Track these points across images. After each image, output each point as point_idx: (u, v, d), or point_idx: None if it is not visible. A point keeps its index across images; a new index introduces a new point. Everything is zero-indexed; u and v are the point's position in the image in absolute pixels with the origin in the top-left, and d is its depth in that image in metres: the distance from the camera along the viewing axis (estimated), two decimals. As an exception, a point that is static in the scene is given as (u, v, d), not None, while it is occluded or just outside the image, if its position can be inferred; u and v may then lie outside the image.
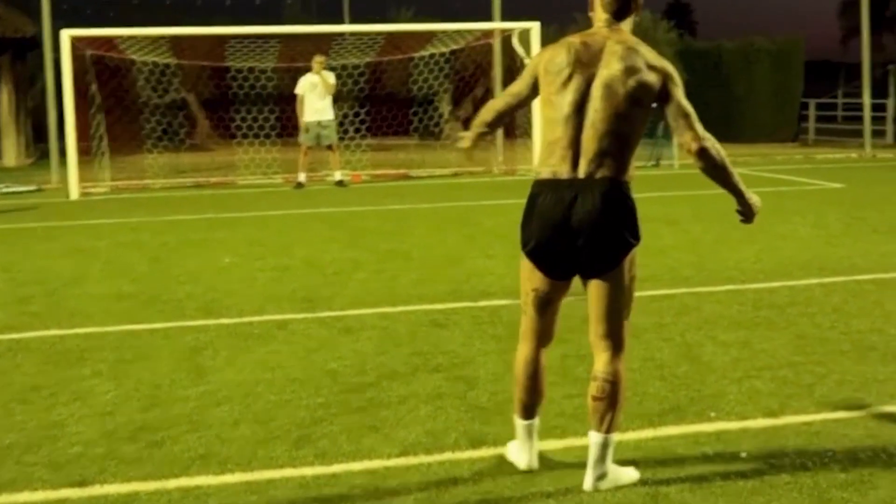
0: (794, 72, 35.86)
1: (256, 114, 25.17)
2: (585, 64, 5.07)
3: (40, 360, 7.71)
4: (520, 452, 5.32)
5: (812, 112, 35.43)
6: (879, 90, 35.84)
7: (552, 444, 5.63)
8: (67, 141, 20.70)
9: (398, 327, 8.46)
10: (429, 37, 25.10)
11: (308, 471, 5.33)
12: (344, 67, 25.61)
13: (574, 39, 5.21)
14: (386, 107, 26.84)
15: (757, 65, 35.36)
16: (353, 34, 24.72)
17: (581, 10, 36.37)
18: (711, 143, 5.17)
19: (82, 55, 22.09)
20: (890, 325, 8.21)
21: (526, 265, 5.29)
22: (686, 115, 5.13)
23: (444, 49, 25.29)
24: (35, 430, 6.09)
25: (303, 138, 21.36)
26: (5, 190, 21.64)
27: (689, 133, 5.10)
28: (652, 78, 5.09)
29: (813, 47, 68.13)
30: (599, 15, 5.28)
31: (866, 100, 29.68)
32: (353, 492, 5.03)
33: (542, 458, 5.38)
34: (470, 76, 28.70)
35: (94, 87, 22.61)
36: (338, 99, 23.97)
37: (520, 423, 5.32)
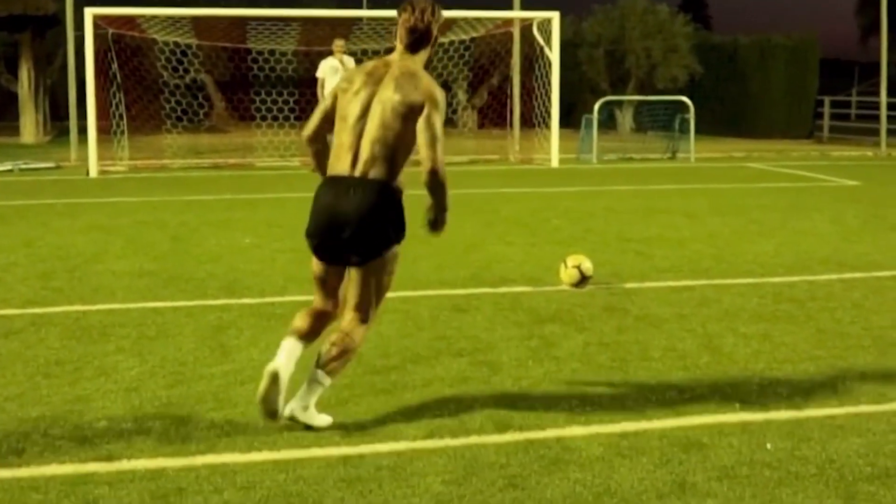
0: (809, 69, 35.79)
1: (276, 96, 25.16)
2: (373, 83, 5.85)
3: (64, 334, 7.74)
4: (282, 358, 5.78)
5: (827, 109, 35.36)
6: (895, 89, 35.81)
7: (577, 431, 5.65)
8: (88, 119, 20.74)
9: (420, 311, 8.49)
10: (448, 24, 25.07)
11: (335, 451, 5.36)
12: (364, 52, 25.58)
13: (371, 63, 6.05)
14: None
15: (772, 60, 35.32)
16: (372, 19, 24.69)
17: (600, 2, 36.45)
18: (441, 167, 5.87)
19: (104, 33, 22.11)
20: (911, 322, 8.23)
21: None
22: (433, 137, 5.78)
23: (463, 36, 25.28)
24: (60, 404, 6.12)
25: None
26: (24, 166, 21.68)
27: (429, 153, 5.79)
28: (417, 99, 5.74)
29: (827, 45, 67.91)
30: (398, 46, 6.00)
31: (883, 98, 29.63)
32: (379, 472, 5.06)
33: (568, 445, 5.42)
34: (488, 64, 28.68)
35: (114, 66, 22.64)
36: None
37: (287, 341, 5.92)
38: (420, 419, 5.84)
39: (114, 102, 22.65)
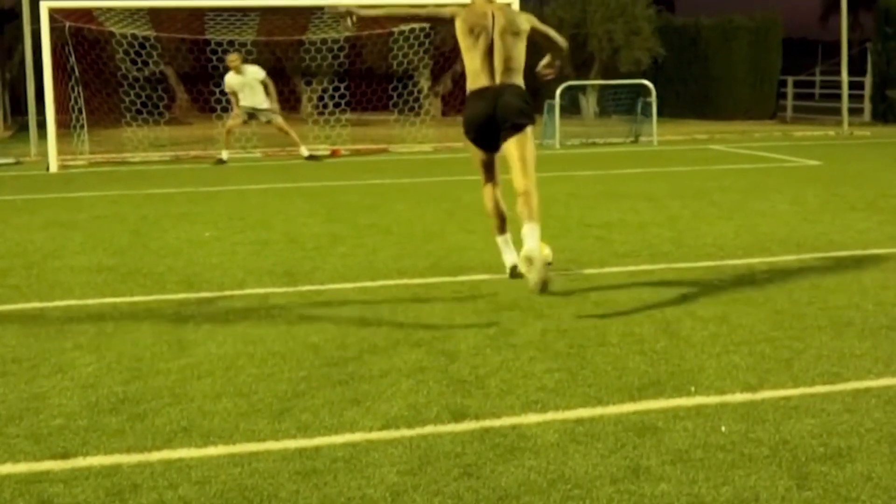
0: (772, 49, 35.95)
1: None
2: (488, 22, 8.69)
3: (20, 332, 7.69)
4: (507, 256, 9.14)
5: (790, 89, 35.53)
6: (857, 68, 35.99)
7: (533, 418, 5.66)
8: (47, 114, 20.64)
9: (379, 301, 8.48)
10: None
11: (290, 443, 5.35)
12: (324, 42, 25.54)
13: (477, 6, 8.77)
14: (365, 82, 26.78)
15: (735, 42, 35.46)
16: (333, 7, 24.58)
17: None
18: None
19: (61, 27, 21.98)
20: (867, 301, 8.27)
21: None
22: (552, 30, 9.22)
23: (424, 24, 25.22)
24: (16, 402, 6.09)
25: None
26: (-17, 163, 21.56)
27: (558, 36, 9.23)
28: (524, 24, 8.94)
29: (791, 25, 68.20)
30: None
31: (844, 77, 29.75)
32: (335, 464, 5.05)
33: (523, 432, 5.43)
34: (450, 51, 28.64)
35: (72, 60, 22.51)
36: (316, 73, 23.93)
37: (499, 239, 9.19)
38: (376, 410, 5.84)
39: (72, 96, 22.52)
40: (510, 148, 8.63)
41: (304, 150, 21.90)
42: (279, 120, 21.57)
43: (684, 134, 27.63)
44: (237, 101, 21.42)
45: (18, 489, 4.83)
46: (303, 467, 5.02)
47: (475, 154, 8.92)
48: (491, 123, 8.55)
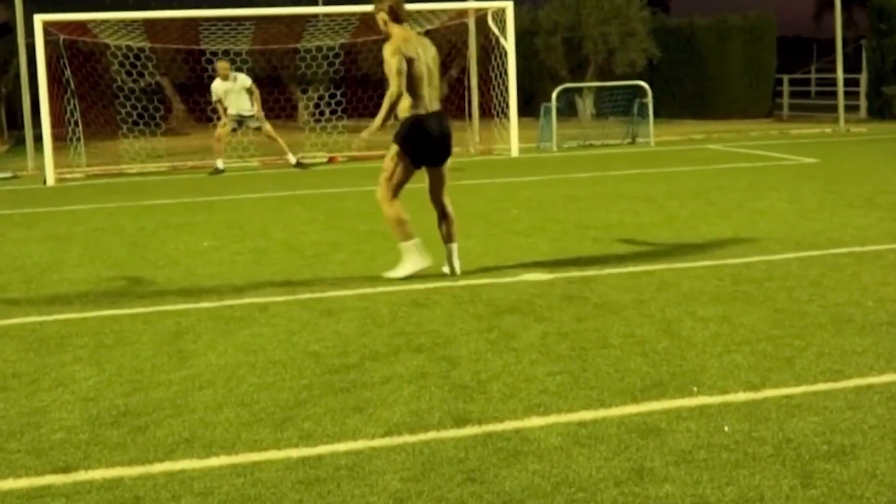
0: (766, 48, 35.95)
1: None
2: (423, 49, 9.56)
3: (20, 346, 7.68)
4: (422, 258, 9.65)
5: (786, 88, 35.55)
6: (852, 65, 35.97)
7: (536, 422, 5.65)
8: (43, 127, 20.62)
9: (379, 308, 8.47)
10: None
11: (293, 452, 5.34)
12: (319, 49, 25.55)
13: (412, 35, 9.62)
14: (361, 88, 26.75)
15: (730, 41, 35.46)
16: (326, 16, 24.62)
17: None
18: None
19: (56, 40, 21.97)
20: (867, 298, 8.26)
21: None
22: None
23: (418, 29, 25.16)
24: (17, 417, 6.07)
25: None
26: (-19, 177, 21.54)
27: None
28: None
29: (785, 23, 68.08)
30: (404, 25, 9.59)
31: (840, 75, 29.74)
32: (338, 473, 5.04)
33: (526, 436, 5.42)
34: (445, 56, 28.63)
35: (68, 73, 22.50)
36: (312, 81, 23.94)
37: (413, 243, 9.63)
38: (378, 417, 5.82)
39: (69, 109, 22.51)
40: (443, 172, 9.67)
41: (292, 158, 21.90)
42: (267, 126, 21.58)
43: (681, 134, 27.62)
44: (224, 109, 21.42)
45: (21, 504, 4.82)
46: (306, 476, 5.01)
47: (406, 170, 9.51)
48: (435, 146, 9.47)
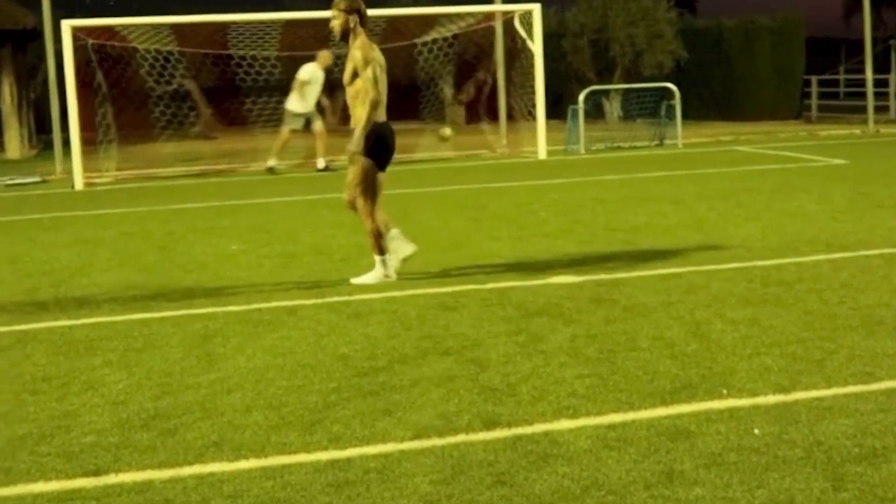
0: (795, 49, 35.85)
1: (263, 103, 25.10)
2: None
3: (50, 350, 7.71)
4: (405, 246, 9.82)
5: (814, 89, 35.37)
6: (881, 65, 35.79)
7: (565, 424, 5.64)
8: (71, 131, 20.72)
9: (407, 311, 8.47)
10: (431, 21, 25.06)
11: (322, 455, 5.34)
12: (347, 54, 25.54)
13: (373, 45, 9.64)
14: (394, 92, 26.73)
15: (758, 42, 35.36)
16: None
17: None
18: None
19: (84, 45, 22.06)
20: (898, 300, 8.22)
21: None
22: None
23: (446, 33, 25.25)
24: (47, 421, 6.10)
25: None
26: (9, 182, 21.64)
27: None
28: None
29: (814, 24, 67.88)
30: (366, 32, 9.60)
31: (869, 75, 29.61)
32: (367, 476, 5.04)
33: (555, 439, 5.41)
34: (472, 59, 28.66)
35: (98, 77, 22.58)
36: (337, 86, 23.95)
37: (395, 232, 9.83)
38: (407, 420, 5.82)
39: (99, 112, 22.59)
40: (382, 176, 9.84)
41: (321, 162, 21.95)
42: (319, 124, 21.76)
43: (709, 136, 27.54)
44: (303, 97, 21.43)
45: (51, 507, 4.84)
46: (335, 479, 5.01)
47: (377, 178, 9.72)
48: (391, 152, 9.86)
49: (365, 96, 9.37)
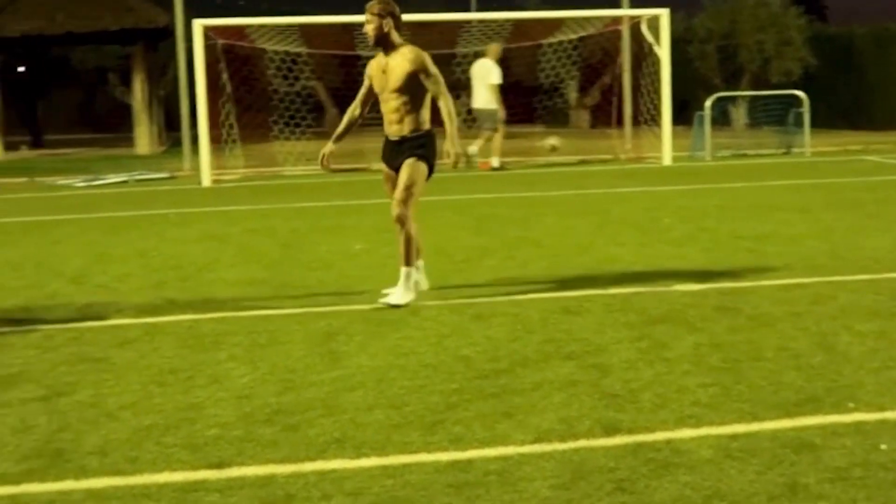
0: (929, 57, 35.12)
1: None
2: None
3: (176, 343, 7.84)
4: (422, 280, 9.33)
5: (948, 98, 34.61)
6: None
7: (687, 433, 5.58)
8: (199, 129, 21.04)
9: (530, 314, 8.45)
10: (557, 24, 25.01)
11: (443, 456, 5.35)
12: (476, 55, 25.61)
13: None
14: (514, 94, 26.77)
15: (890, 50, 34.66)
16: (480, 22, 24.69)
17: (710, -3, 36.07)
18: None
19: (213, 45, 22.39)
20: None
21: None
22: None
23: (572, 36, 25.19)
24: (173, 412, 6.20)
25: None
26: (139, 177, 22.04)
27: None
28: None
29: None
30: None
31: None
32: (487, 478, 5.04)
33: (677, 447, 5.36)
34: (597, 63, 28.55)
35: (224, 76, 22.90)
36: (466, 87, 24.09)
37: (420, 264, 9.29)
38: (528, 423, 5.81)
39: (224, 112, 22.90)
40: None
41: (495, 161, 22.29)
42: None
43: (837, 145, 27.09)
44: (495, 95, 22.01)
45: (176, 498, 4.91)
46: (455, 480, 5.02)
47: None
48: None
49: (443, 98, 9.05)
